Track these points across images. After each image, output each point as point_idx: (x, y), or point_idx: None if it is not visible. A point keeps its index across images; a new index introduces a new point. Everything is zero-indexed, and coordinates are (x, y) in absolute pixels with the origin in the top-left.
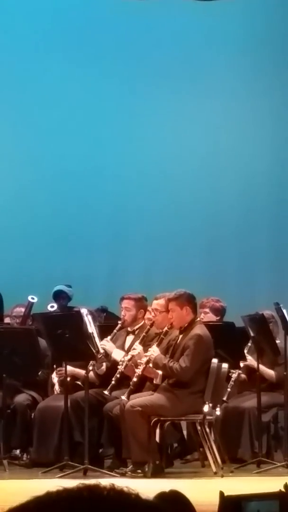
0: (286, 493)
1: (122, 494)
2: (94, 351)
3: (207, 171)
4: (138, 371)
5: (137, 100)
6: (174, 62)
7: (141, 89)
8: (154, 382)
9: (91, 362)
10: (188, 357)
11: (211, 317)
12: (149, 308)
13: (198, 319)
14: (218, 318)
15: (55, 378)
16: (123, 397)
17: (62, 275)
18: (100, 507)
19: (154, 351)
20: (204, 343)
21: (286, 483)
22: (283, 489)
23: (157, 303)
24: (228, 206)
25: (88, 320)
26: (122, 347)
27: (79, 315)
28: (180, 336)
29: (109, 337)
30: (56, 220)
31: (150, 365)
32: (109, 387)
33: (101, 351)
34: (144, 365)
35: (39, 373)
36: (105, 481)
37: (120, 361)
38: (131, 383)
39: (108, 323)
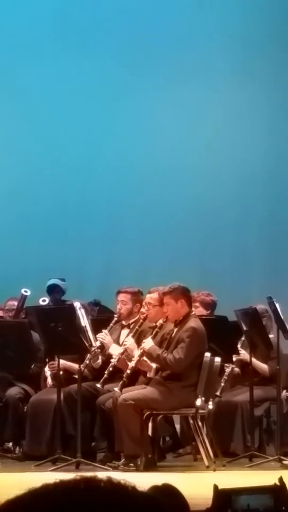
0: (280, 487)
1: (119, 486)
2: (87, 344)
3: (202, 165)
4: (132, 363)
5: (133, 93)
6: (171, 52)
7: (138, 81)
8: (148, 375)
9: (87, 355)
10: (182, 349)
11: (201, 311)
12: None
13: (193, 312)
14: (208, 312)
15: (47, 371)
16: (116, 389)
17: (56, 268)
18: (97, 499)
19: (148, 342)
20: (198, 336)
21: (280, 476)
22: (277, 483)
23: (150, 297)
24: (223, 201)
25: (81, 313)
26: (117, 341)
27: (72, 308)
28: (175, 330)
29: (107, 330)
30: (50, 213)
31: (144, 358)
32: (101, 380)
33: (97, 344)
34: (138, 358)
35: (32, 366)
36: (99, 475)
37: (114, 354)
38: (124, 375)
39: (101, 316)
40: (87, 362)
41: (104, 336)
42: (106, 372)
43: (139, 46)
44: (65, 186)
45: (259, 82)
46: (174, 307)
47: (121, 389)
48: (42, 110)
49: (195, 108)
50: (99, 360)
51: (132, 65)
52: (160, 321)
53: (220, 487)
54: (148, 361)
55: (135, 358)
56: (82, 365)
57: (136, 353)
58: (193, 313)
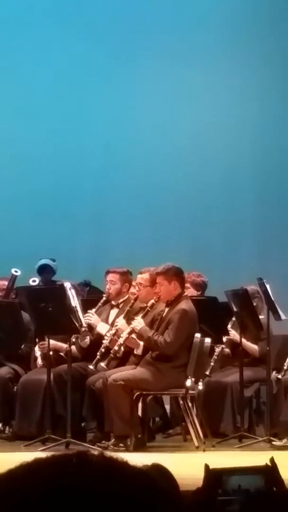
0: (271, 467)
1: (111, 460)
2: (77, 324)
3: (191, 146)
4: (121, 340)
5: (121, 76)
6: (160, 37)
7: (126, 64)
8: (135, 352)
9: (74, 334)
10: (172, 331)
11: (192, 292)
12: (133, 283)
13: (185, 293)
14: (199, 293)
15: (37, 351)
16: (102, 364)
17: (46, 248)
18: (89, 473)
19: (139, 322)
20: (189, 318)
21: (272, 457)
22: (269, 463)
23: (142, 277)
24: (213, 181)
25: (71, 294)
26: (106, 321)
27: (62, 289)
28: (166, 310)
29: (93, 310)
30: (40, 193)
31: (133, 336)
32: (94, 362)
33: (85, 324)
34: (126, 335)
35: (22, 346)
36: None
37: (105, 335)
38: (111, 351)
39: (91, 297)
40: (74, 340)
41: (90, 316)
42: (98, 353)
43: (130, 28)
44: (55, 166)
45: (249, 63)
46: (167, 288)
47: (107, 365)
48: (32, 92)
49: (185, 89)
50: (87, 339)
51: (122, 46)
52: (152, 301)
53: (210, 467)
54: (136, 339)
55: (124, 335)
56: (68, 343)
57: (127, 331)
58: (185, 294)
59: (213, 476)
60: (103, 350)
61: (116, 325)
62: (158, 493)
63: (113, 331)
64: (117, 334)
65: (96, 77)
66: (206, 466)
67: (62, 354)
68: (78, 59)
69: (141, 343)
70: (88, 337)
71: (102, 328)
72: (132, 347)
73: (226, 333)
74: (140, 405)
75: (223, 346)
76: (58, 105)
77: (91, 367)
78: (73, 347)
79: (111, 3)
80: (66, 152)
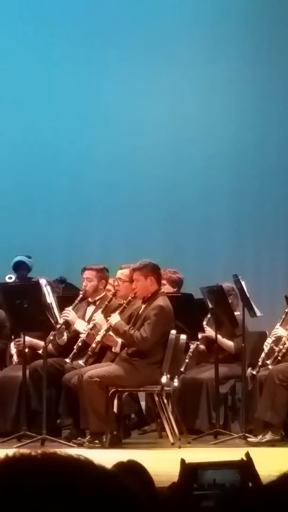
0: (247, 462)
1: (79, 461)
2: (52, 321)
3: (167, 143)
4: (98, 337)
5: (97, 71)
6: (138, 34)
7: (103, 60)
8: (113, 350)
9: (52, 332)
10: (149, 327)
11: (168, 288)
12: (110, 280)
13: (162, 290)
14: (175, 289)
15: (13, 348)
16: (81, 362)
17: (22, 245)
18: (56, 472)
19: (115, 317)
20: (165, 314)
21: (247, 452)
22: (244, 458)
23: (121, 273)
24: (188, 178)
25: (47, 290)
26: (82, 318)
27: (37, 285)
28: (143, 306)
29: (71, 307)
30: (15, 190)
31: (110, 332)
32: (70, 355)
33: (61, 321)
34: (104, 332)
35: None
36: (65, 451)
37: (83, 330)
38: (89, 349)
39: (67, 293)
40: (51, 338)
41: (68, 313)
42: (75, 347)
43: (107, 25)
44: (29, 163)
45: (227, 59)
46: (143, 284)
47: (86, 363)
48: (5, 87)
49: (162, 86)
50: (64, 337)
51: (99, 43)
52: (129, 298)
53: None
54: (114, 336)
55: (101, 333)
56: (46, 341)
57: (104, 328)
58: (162, 291)
59: (189, 471)
60: (80, 344)
61: (94, 320)
62: (126, 495)
63: (90, 325)
64: (94, 329)
65: (70, 72)
66: (182, 461)
67: (39, 352)
68: (52, 55)
69: (119, 340)
70: (65, 334)
71: (79, 325)
72: (110, 345)
73: (202, 329)
74: (115, 401)
75: (198, 342)
76: (32, 101)
77: (67, 360)
78: (50, 345)
79: (87, 1)
80: (41, 148)
